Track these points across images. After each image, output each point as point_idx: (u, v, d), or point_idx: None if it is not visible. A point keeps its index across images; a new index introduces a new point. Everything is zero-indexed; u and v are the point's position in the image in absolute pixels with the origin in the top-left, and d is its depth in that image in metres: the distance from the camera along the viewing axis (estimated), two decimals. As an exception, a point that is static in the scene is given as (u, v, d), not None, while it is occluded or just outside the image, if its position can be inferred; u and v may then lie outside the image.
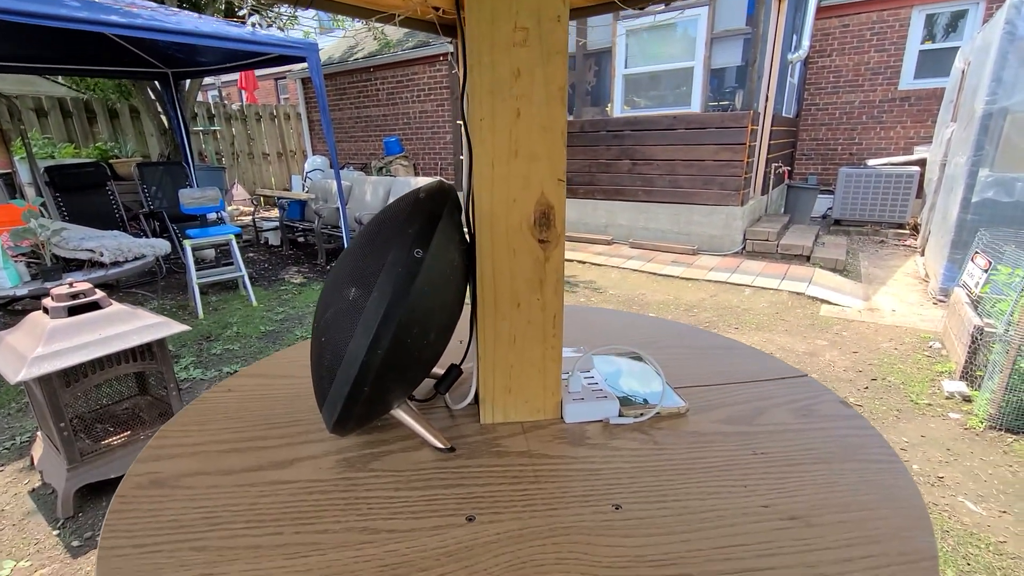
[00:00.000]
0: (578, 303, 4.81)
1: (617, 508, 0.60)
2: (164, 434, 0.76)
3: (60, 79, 7.86)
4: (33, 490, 2.24)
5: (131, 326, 2.15)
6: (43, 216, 3.77)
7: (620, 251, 6.35)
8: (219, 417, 0.81)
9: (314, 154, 9.14)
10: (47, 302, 2.09)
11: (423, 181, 5.64)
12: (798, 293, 4.72)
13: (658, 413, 0.79)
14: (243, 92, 11.25)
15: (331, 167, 8.64)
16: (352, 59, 8.39)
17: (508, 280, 0.72)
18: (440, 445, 0.71)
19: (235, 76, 11.50)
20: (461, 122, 0.66)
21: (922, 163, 6.65)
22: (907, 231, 6.68)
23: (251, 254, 6.65)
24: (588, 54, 6.67)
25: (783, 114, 7.11)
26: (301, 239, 6.84)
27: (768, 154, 6.61)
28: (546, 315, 0.74)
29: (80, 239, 3.82)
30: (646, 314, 4.61)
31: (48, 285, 3.25)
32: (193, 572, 0.51)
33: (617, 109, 6.45)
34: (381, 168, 7.82)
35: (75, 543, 1.92)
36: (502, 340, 0.74)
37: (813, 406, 0.81)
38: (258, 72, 11.31)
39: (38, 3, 2.95)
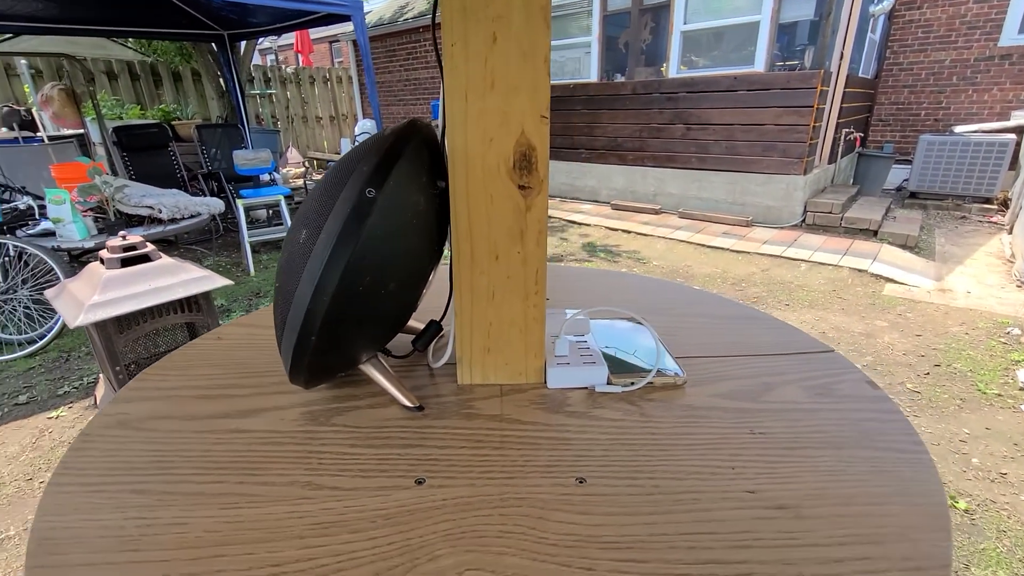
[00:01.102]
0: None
1: (581, 482, 0.54)
2: (144, 377, 0.76)
3: (130, 43, 8.22)
4: (90, 426, 2.42)
5: (178, 279, 2.25)
6: (107, 173, 3.98)
7: (668, 221, 6.09)
8: (201, 364, 0.80)
9: (364, 117, 9.21)
10: (103, 253, 2.21)
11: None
12: (860, 270, 4.38)
13: (651, 383, 0.71)
14: (299, 55, 11.42)
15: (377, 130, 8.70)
16: (402, 19, 8.30)
17: (485, 229, 0.65)
18: (408, 404, 0.67)
19: (291, 40, 11.67)
20: (434, 48, 0.59)
21: (1020, 130, 5.93)
22: (995, 206, 6.03)
23: (301, 215, 6.86)
24: (644, 9, 6.29)
25: (859, 74, 6.49)
26: (349, 202, 6.96)
27: (839, 118, 6.08)
28: (527, 270, 0.67)
29: (141, 196, 4.02)
30: (680, 283, 4.42)
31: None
32: (127, 514, 0.50)
33: (673, 69, 6.08)
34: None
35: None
36: (480, 296, 0.68)
37: (832, 384, 0.71)
38: (313, 35, 11.39)
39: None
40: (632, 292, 1.07)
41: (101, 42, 8.01)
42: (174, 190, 4.25)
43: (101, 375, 2.56)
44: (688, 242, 5.41)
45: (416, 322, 0.78)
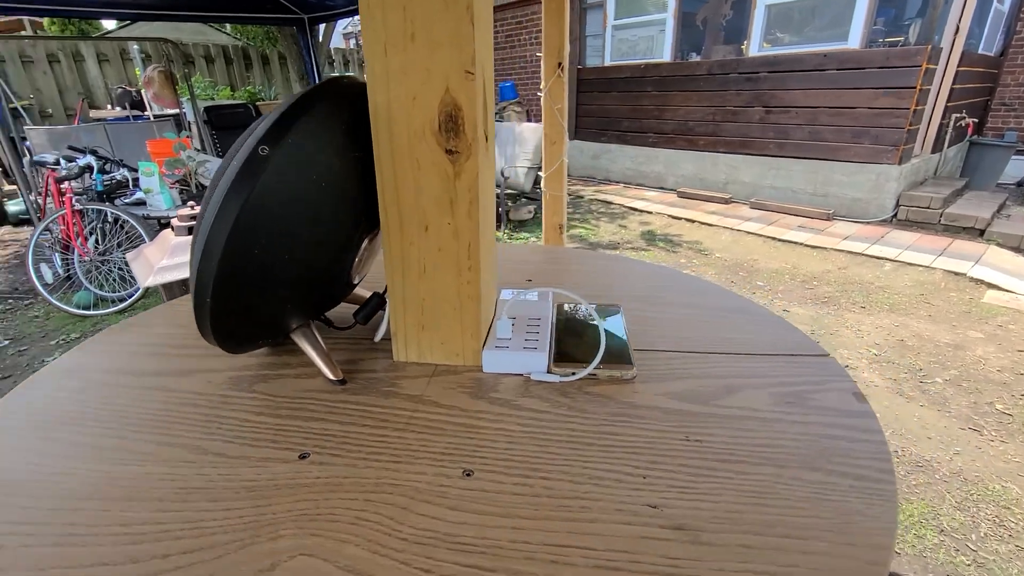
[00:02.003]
0: (678, 263, 4.45)
1: (468, 474, 0.49)
2: (115, 330, 0.80)
3: (226, 29, 8.84)
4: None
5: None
6: (191, 149, 4.30)
7: (738, 211, 5.71)
8: (174, 320, 0.82)
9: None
10: (174, 221, 2.39)
11: (531, 127, 5.49)
12: (957, 273, 3.89)
13: (594, 376, 0.64)
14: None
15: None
16: None
17: (413, 197, 0.61)
18: (330, 376, 0.64)
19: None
20: None
21: None
22: None
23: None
24: (726, -17, 5.86)
25: (979, 51, 5.70)
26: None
27: (948, 102, 5.39)
28: (460, 243, 0.62)
29: (218, 170, 4.29)
30: (752, 282, 4.10)
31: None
32: (27, 457, 0.52)
33: (754, 47, 5.64)
34: (494, 113, 7.76)
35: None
36: (411, 269, 0.64)
37: (808, 393, 0.60)
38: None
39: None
40: (627, 277, 0.99)
41: (201, 28, 8.67)
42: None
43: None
44: (757, 234, 5.04)
45: (366, 291, 0.76)
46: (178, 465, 0.51)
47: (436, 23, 0.54)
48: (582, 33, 7.13)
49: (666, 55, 6.40)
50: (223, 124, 6.19)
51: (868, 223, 5.05)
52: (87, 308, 3.53)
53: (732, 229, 5.24)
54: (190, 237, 2.29)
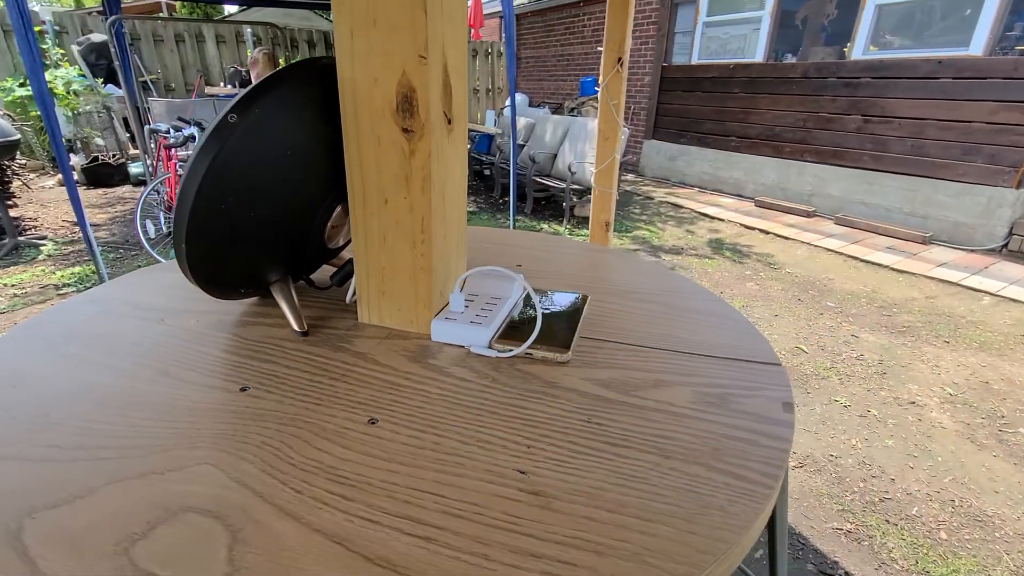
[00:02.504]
0: (742, 275, 4.23)
1: (372, 422, 0.54)
2: (147, 270, 0.92)
3: (331, 16, 9.41)
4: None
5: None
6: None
7: (820, 226, 5.33)
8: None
9: (517, 91, 9.44)
10: None
11: (602, 123, 5.42)
12: (1069, 316, 3.43)
13: (530, 355, 0.67)
14: (471, 29, 12.02)
15: (528, 105, 8.85)
16: (565, -6, 8.26)
17: (375, 172, 0.66)
18: (295, 327, 0.72)
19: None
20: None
21: None
22: None
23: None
24: (833, -21, 5.44)
25: None
26: (487, 172, 7.26)
27: (1089, 120, 4.70)
28: (414, 217, 0.67)
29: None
30: (821, 302, 3.80)
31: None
32: (31, 359, 0.63)
33: (858, 50, 5.21)
34: (573, 108, 7.72)
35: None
36: (373, 239, 0.70)
37: (736, 396, 0.59)
38: (486, 9, 11.84)
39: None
40: (619, 272, 0.99)
41: (308, 15, 9.29)
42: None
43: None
44: (837, 252, 4.69)
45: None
46: (144, 382, 0.60)
47: (393, 10, 0.58)
48: (670, 30, 6.90)
49: (759, 55, 6.06)
50: (315, 105, 6.62)
51: (971, 251, 4.53)
52: (179, 263, 3.95)
53: (809, 244, 4.90)
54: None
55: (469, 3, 10.02)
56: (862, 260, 4.50)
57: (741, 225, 5.42)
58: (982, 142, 4.42)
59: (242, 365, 0.64)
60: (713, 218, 5.69)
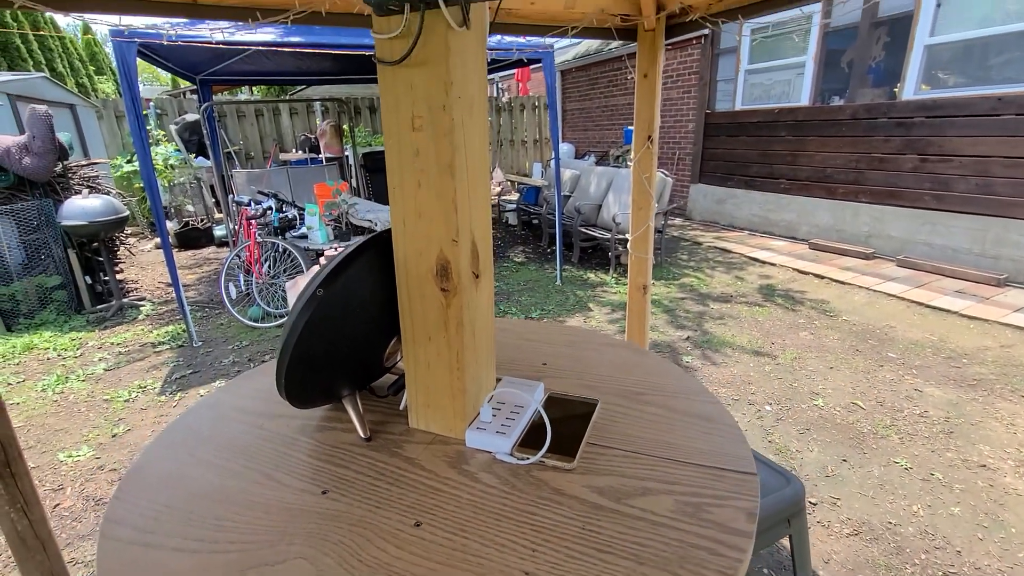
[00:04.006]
0: (796, 324, 4.16)
1: (417, 525, 0.72)
2: (247, 376, 1.17)
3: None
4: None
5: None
6: (346, 192, 5.13)
7: (880, 269, 5.17)
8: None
9: (564, 141, 9.80)
10: (321, 260, 2.99)
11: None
12: None
13: (543, 462, 0.83)
14: (519, 84, 12.63)
15: (575, 155, 9.15)
16: (607, 48, 8.62)
17: (421, 317, 0.86)
18: (361, 434, 0.92)
19: (512, 71, 12.99)
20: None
21: None
22: None
23: (492, 231, 7.67)
24: (877, 22, 5.44)
25: None
26: (535, 221, 7.54)
27: None
28: (451, 351, 0.86)
29: (366, 211, 5.06)
30: (881, 352, 3.66)
31: (342, 244, 4.53)
32: (170, 465, 0.86)
33: (909, 90, 5.14)
34: (618, 156, 7.94)
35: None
36: (421, 364, 0.89)
37: (708, 506, 0.73)
38: (533, 66, 12.45)
39: (324, 36, 3.98)
40: (631, 371, 1.14)
41: (368, 83, 10.13)
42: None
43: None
44: (899, 297, 4.53)
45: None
46: (253, 484, 0.81)
47: (433, 208, 0.79)
48: (712, 78, 7.05)
49: (804, 99, 6.08)
50: (376, 167, 7.22)
51: (1049, 293, 4.26)
52: (256, 320, 4.38)
53: (868, 289, 4.76)
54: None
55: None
56: (927, 306, 4.32)
57: (794, 269, 5.34)
58: (1053, 179, 4.21)
59: (322, 469, 0.84)
60: (764, 262, 5.63)
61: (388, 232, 0.87)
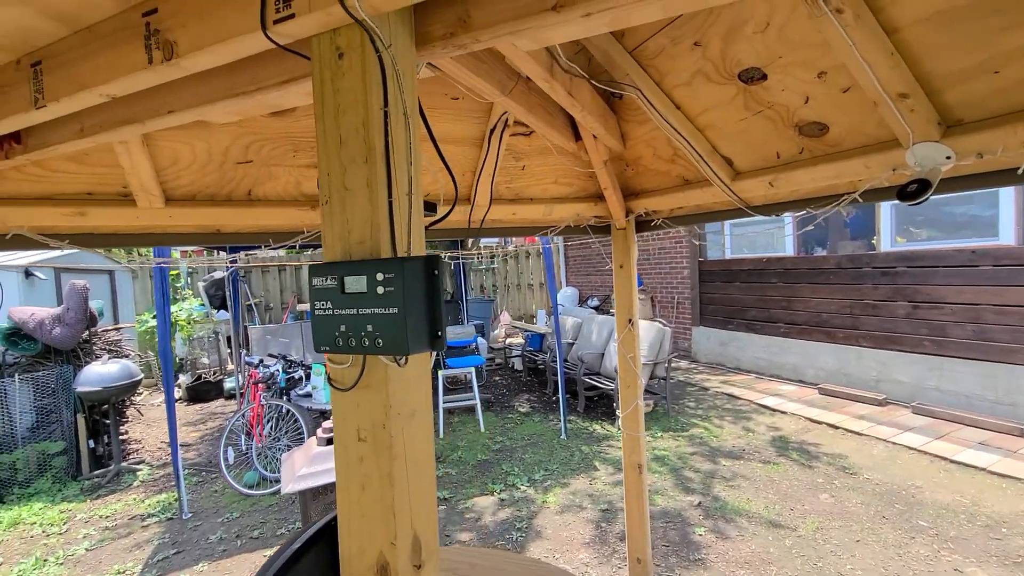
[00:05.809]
0: (814, 484, 3.93)
1: None
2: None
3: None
4: None
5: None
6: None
7: (896, 416, 5.01)
8: None
9: (567, 285, 10.22)
10: (319, 431, 2.98)
11: (645, 325, 5.71)
12: None
13: None
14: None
15: (578, 300, 9.47)
16: (603, 203, 9.35)
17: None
18: None
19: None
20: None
21: None
22: None
23: (498, 377, 7.67)
24: (846, 183, 5.91)
25: None
26: (541, 366, 7.57)
27: None
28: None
29: (369, 369, 5.14)
30: (911, 520, 3.39)
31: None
32: None
33: (886, 243, 5.42)
34: (620, 300, 8.22)
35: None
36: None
37: None
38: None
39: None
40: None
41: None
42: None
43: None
44: (921, 451, 4.32)
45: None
46: None
47: (374, 511, 0.84)
48: (700, 231, 7.53)
49: (789, 250, 6.41)
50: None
51: (1079, 447, 4.04)
52: (251, 487, 4.26)
53: (887, 441, 4.56)
54: (331, 447, 2.81)
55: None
56: (952, 461, 4.10)
57: (806, 418, 5.18)
58: (1048, 327, 4.23)
59: None
60: (774, 411, 5.49)
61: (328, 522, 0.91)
